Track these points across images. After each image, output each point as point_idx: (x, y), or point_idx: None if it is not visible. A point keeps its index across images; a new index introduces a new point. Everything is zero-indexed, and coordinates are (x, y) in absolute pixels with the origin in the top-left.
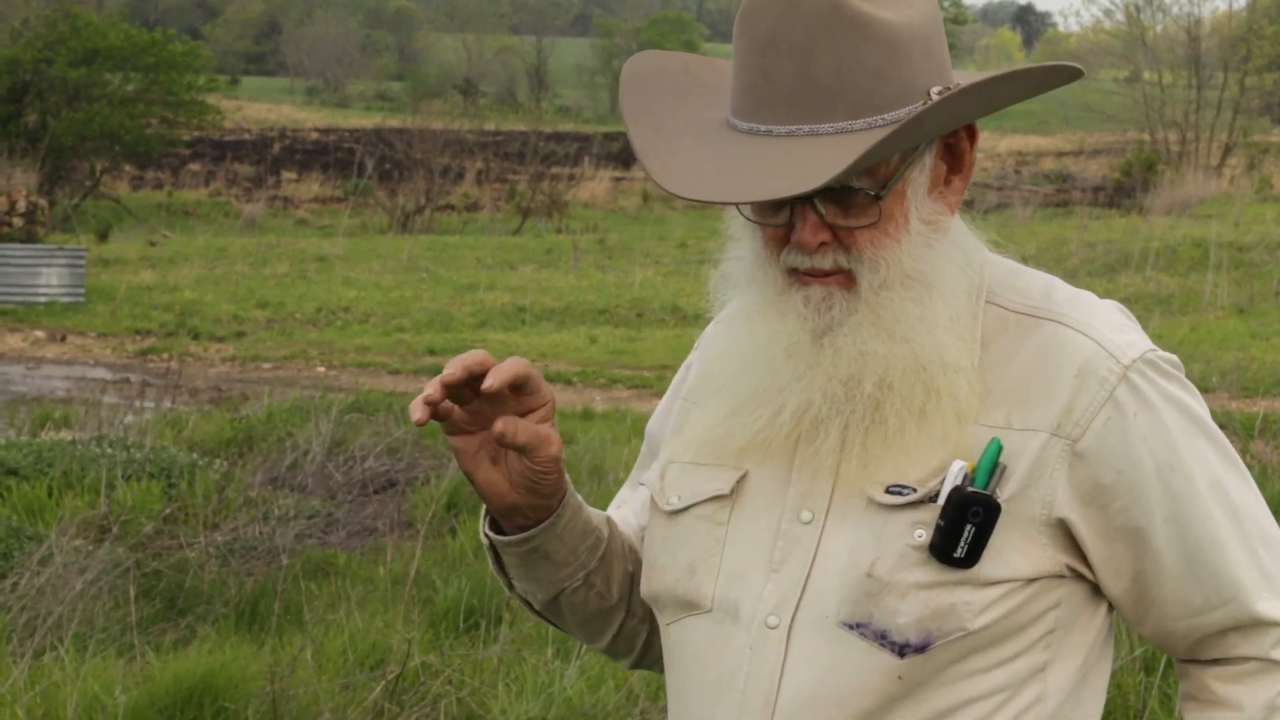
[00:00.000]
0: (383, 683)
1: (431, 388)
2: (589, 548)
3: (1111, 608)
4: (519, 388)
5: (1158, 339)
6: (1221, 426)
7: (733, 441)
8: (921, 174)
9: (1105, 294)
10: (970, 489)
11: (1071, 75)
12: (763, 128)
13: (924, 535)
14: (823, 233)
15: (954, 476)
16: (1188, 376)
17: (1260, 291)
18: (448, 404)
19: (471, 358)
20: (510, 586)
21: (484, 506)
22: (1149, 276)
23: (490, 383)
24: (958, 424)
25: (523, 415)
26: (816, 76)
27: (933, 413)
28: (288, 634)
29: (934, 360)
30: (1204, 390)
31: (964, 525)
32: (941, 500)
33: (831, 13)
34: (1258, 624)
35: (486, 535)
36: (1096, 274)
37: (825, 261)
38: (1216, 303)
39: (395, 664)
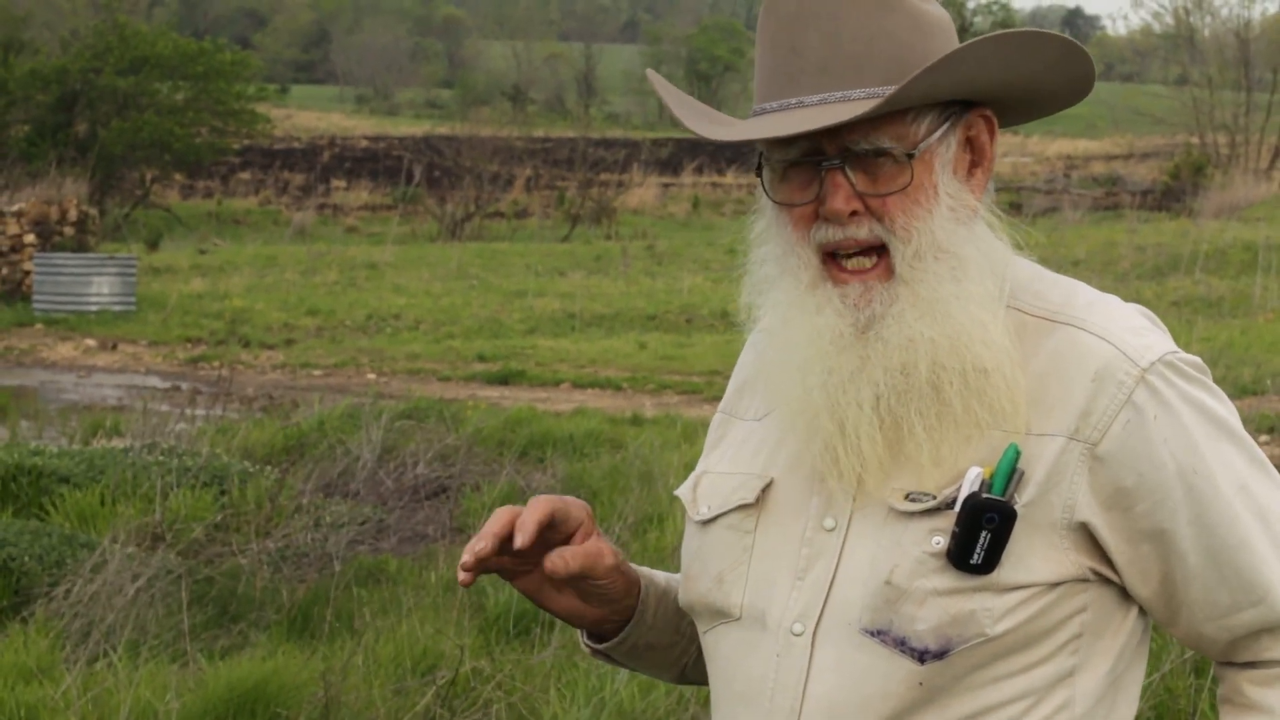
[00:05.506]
0: (434, 688)
1: (469, 554)
2: (690, 623)
3: (1143, 611)
4: (551, 525)
5: (1206, 342)
6: (1271, 430)
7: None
8: (948, 152)
9: (1155, 297)
10: (986, 495)
11: (1084, 69)
12: (794, 100)
13: (942, 542)
14: (854, 201)
15: (970, 483)
16: (1238, 380)
17: None
18: (496, 560)
19: (497, 522)
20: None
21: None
22: (1198, 279)
23: (521, 542)
24: (1012, 403)
25: (567, 540)
26: (846, 45)
27: (989, 391)
28: (340, 640)
29: (975, 339)
30: (1255, 394)
31: (979, 532)
32: (958, 507)
33: None
34: None
35: (589, 646)
36: (1146, 277)
37: (861, 231)
38: (1266, 305)
39: (447, 669)
